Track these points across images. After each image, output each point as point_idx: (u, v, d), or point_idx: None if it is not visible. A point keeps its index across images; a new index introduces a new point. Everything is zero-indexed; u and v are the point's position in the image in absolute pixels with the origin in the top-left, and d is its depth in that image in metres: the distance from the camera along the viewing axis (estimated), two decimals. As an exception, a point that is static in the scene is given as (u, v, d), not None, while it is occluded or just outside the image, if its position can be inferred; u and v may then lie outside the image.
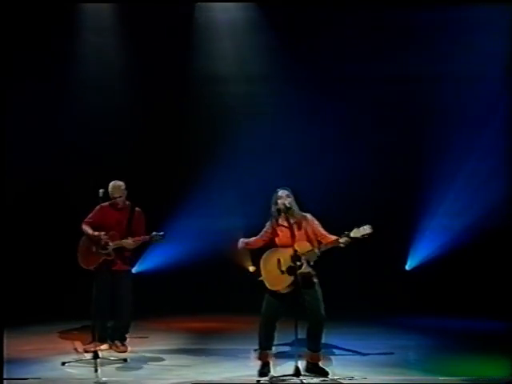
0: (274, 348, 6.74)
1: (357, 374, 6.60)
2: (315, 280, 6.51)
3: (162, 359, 7.46)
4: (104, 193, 7.63)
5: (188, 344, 8.26)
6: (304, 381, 6.33)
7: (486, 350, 7.69)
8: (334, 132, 10.28)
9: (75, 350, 7.79)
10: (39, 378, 6.57)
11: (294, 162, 10.38)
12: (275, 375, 6.52)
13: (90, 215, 7.93)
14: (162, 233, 7.78)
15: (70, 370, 6.94)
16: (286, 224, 6.59)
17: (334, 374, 6.58)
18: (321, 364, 6.63)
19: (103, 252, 7.72)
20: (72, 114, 10.61)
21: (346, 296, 10.08)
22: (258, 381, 6.38)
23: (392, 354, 7.55)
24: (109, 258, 7.75)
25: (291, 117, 10.47)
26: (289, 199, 6.60)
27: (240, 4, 10.49)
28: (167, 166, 10.56)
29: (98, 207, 7.85)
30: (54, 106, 10.57)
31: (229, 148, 10.36)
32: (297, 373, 6.38)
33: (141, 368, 7.05)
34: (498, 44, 10.04)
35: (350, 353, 7.61)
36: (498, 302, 9.39)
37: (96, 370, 6.79)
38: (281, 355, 7.33)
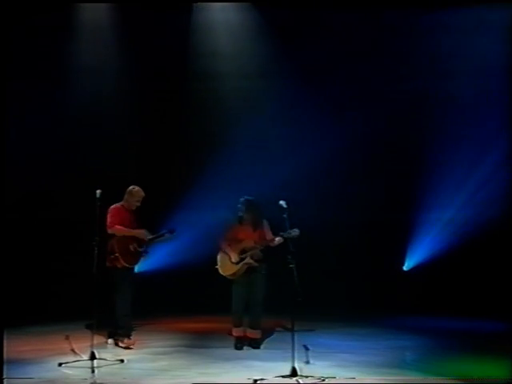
0: (243, 327, 8.00)
1: (354, 374, 6.61)
2: (263, 272, 7.93)
3: (161, 359, 7.46)
4: (101, 193, 7.62)
5: (187, 344, 8.25)
6: (300, 381, 6.33)
7: (485, 350, 7.68)
8: (333, 130, 10.26)
9: (73, 350, 7.78)
10: (37, 379, 6.57)
11: (292, 160, 10.37)
12: (273, 376, 6.53)
13: (114, 218, 7.98)
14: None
15: (66, 370, 6.96)
16: (247, 225, 8.02)
17: (333, 374, 6.60)
18: (259, 341, 7.99)
19: (141, 250, 8.09)
20: (71, 114, 10.63)
21: (344, 296, 10.08)
22: (256, 380, 6.38)
23: (390, 354, 7.56)
24: (143, 257, 8.17)
25: (288, 113, 10.49)
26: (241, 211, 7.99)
27: (237, 4, 10.50)
28: (165, 166, 10.58)
29: (114, 210, 8.01)
30: (53, 106, 10.58)
31: (227, 145, 10.37)
32: (293, 373, 6.42)
33: (138, 368, 7.05)
34: (500, 41, 10.04)
35: (348, 353, 7.59)
36: (498, 302, 9.37)
37: (93, 371, 6.82)
38: (278, 355, 7.35)
